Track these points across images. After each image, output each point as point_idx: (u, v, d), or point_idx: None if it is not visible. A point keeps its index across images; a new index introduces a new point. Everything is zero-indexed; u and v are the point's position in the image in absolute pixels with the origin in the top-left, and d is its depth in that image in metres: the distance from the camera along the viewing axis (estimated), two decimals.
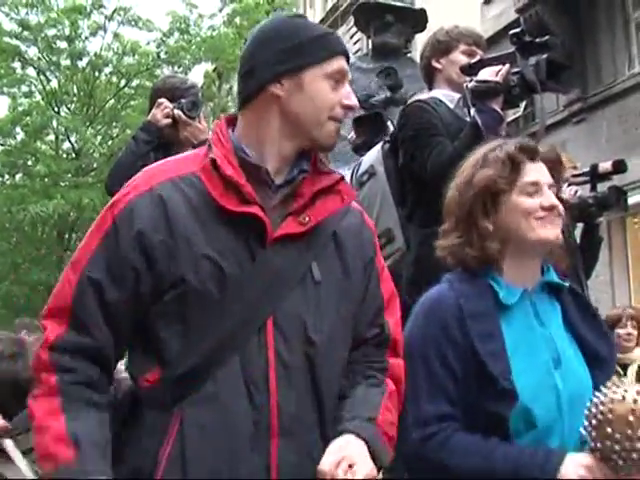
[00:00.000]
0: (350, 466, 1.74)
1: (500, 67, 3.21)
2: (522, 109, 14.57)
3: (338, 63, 1.95)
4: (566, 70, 3.25)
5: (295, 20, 2.04)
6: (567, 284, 2.35)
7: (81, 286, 1.82)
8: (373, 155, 3.82)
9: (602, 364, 2.25)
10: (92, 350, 1.81)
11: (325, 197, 1.96)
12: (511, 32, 3.29)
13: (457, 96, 3.51)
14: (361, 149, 4.52)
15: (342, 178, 2.03)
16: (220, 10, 19.99)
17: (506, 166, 2.24)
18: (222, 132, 1.98)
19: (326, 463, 1.75)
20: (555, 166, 2.37)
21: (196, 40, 19.80)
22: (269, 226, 1.86)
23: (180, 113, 3.74)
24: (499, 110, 3.22)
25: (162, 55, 20.16)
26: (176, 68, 19.59)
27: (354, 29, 16.13)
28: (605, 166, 4.41)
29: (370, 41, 6.14)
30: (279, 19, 2.07)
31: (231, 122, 2.03)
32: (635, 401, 1.85)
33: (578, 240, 4.56)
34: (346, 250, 1.98)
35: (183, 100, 3.77)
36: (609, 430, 1.85)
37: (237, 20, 19.79)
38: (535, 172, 2.26)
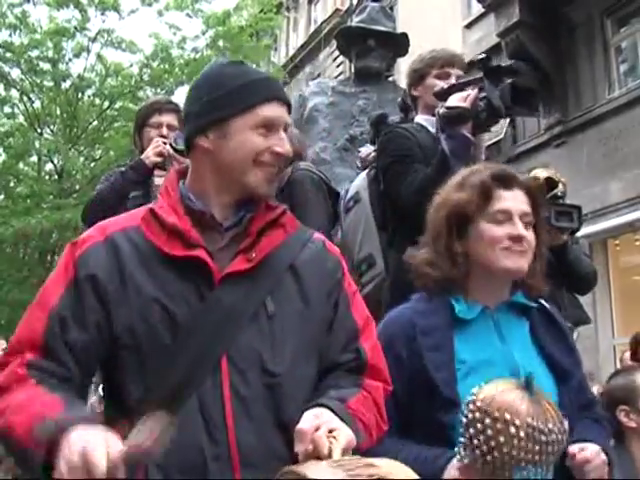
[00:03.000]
0: (330, 431, 1.69)
1: (469, 92, 3.24)
2: (504, 132, 14.68)
3: (268, 110, 1.97)
4: (533, 94, 3.26)
5: (227, 69, 2.05)
6: (535, 305, 2.37)
7: (51, 323, 1.85)
8: (359, 181, 3.86)
9: (567, 378, 2.29)
10: (66, 378, 1.83)
11: (270, 231, 2.00)
12: (478, 57, 3.32)
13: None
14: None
15: (285, 211, 2.06)
16: (203, 33, 20.04)
17: (478, 192, 2.28)
18: (170, 183, 2.05)
19: (305, 423, 1.71)
20: (534, 193, 2.38)
21: (179, 62, 19.84)
22: (213, 267, 1.89)
23: (170, 149, 3.76)
24: (468, 135, 3.24)
25: (145, 77, 20.18)
26: (159, 90, 19.61)
27: (337, 52, 16.24)
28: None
29: (352, 65, 6.16)
30: (213, 68, 2.09)
31: (182, 173, 2.09)
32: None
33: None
34: (306, 280, 1.99)
35: (172, 134, 3.79)
36: (475, 429, 1.87)
37: (220, 43, 19.85)
38: (508, 200, 2.28)
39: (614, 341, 11.91)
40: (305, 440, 1.66)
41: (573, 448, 2.14)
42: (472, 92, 3.23)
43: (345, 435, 1.69)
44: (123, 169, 3.90)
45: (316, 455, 1.62)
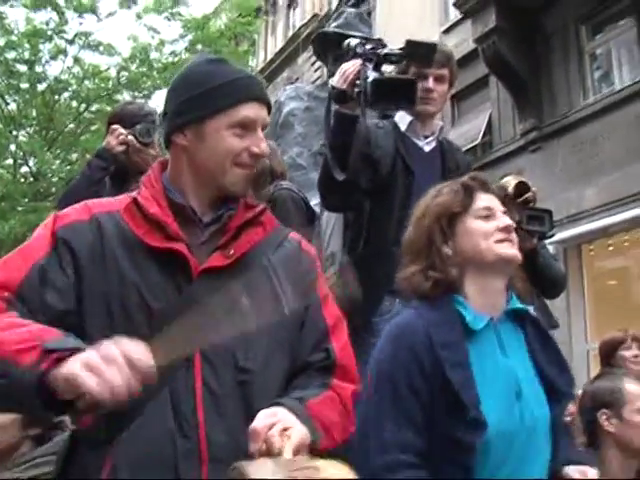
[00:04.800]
0: (284, 430, 1.68)
1: (352, 69, 3.10)
2: (480, 137, 14.78)
3: (246, 110, 1.97)
4: (410, 85, 3.11)
5: (207, 67, 2.05)
6: (531, 311, 2.40)
7: (32, 274, 1.84)
8: None
9: (560, 397, 2.27)
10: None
11: (249, 229, 2.02)
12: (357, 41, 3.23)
13: (409, 119, 3.52)
14: None
15: (265, 209, 2.08)
16: (182, 37, 19.99)
17: (460, 193, 2.31)
18: (154, 174, 2.06)
19: (259, 422, 1.70)
20: (503, 201, 2.41)
21: (157, 66, 19.77)
22: (192, 261, 1.91)
23: (133, 139, 3.75)
24: (346, 112, 3.10)
25: (123, 80, 20.09)
26: (136, 93, 19.54)
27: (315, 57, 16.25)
28: None
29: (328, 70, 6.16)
30: (193, 65, 2.09)
31: (166, 165, 2.10)
32: None
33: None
34: (280, 279, 1.99)
35: (138, 126, 3.78)
36: None
37: (199, 47, 19.81)
38: (488, 200, 2.32)
39: (587, 346, 11.97)
40: (258, 439, 1.66)
41: (573, 472, 2.16)
42: (351, 70, 3.08)
43: (298, 433, 1.69)
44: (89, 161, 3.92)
45: (269, 454, 1.62)
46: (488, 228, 2.26)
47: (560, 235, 12.01)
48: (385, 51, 3.18)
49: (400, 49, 3.22)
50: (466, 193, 2.31)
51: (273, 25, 28.34)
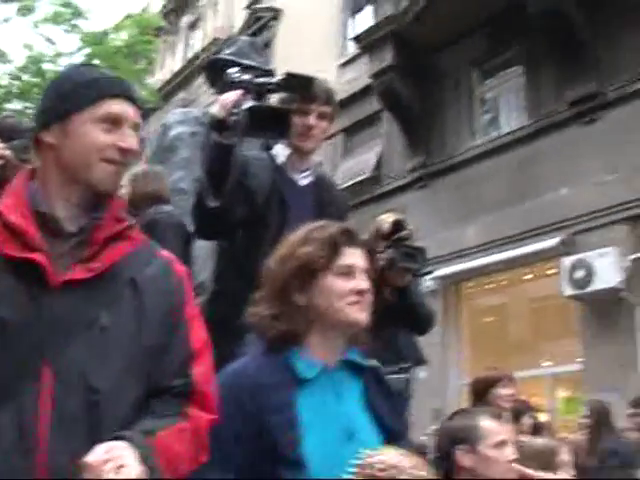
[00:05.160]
0: (119, 467, 1.64)
1: (233, 97, 3.08)
2: (370, 171, 15.00)
3: (110, 106, 1.97)
4: (285, 116, 3.14)
5: (76, 69, 2.09)
6: (367, 364, 2.44)
7: None
8: None
9: (397, 441, 2.32)
10: None
11: (115, 243, 1.97)
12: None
13: (287, 152, 3.52)
14: None
15: (134, 224, 2.06)
16: (79, 50, 19.69)
17: (326, 246, 2.33)
18: (19, 181, 2.02)
19: (94, 456, 1.65)
20: (370, 252, 2.52)
21: (51, 77, 19.36)
22: (50, 272, 1.85)
23: (10, 154, 3.66)
24: (221, 141, 3.07)
25: (14, 89, 19.62)
26: (28, 104, 19.11)
27: None
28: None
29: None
30: (65, 69, 2.10)
31: (33, 173, 2.05)
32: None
33: None
34: (145, 298, 1.96)
35: (15, 142, 3.69)
36: None
37: (96, 61, 19.54)
38: (352, 256, 2.36)
39: (461, 381, 12.12)
40: (91, 473, 1.63)
41: None
42: (230, 99, 3.07)
43: (131, 472, 1.66)
44: None
45: None
46: (344, 289, 2.31)
47: (440, 272, 12.34)
48: (261, 80, 3.21)
49: (279, 80, 3.27)
50: (332, 248, 2.34)
51: (173, 45, 28.19)
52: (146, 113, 18.66)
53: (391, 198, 14.20)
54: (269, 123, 3.08)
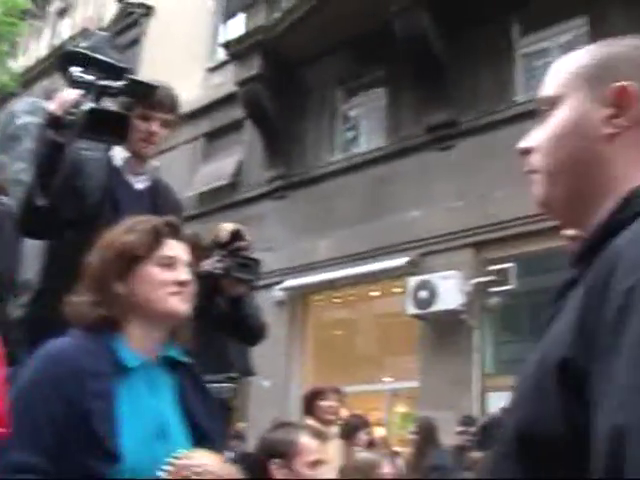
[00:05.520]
0: None
1: (70, 96, 3.04)
2: (229, 178, 15.00)
3: None
4: (123, 120, 3.10)
5: None
6: (186, 361, 2.44)
7: None
8: None
9: (211, 444, 2.33)
10: None
11: None
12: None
13: (125, 155, 3.50)
14: None
15: None
16: None
17: (149, 236, 2.34)
18: None
19: None
20: (194, 249, 2.49)
21: None
22: None
23: None
24: (54, 138, 3.02)
25: None
26: None
27: None
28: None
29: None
30: None
31: None
32: None
33: None
34: None
35: None
36: None
37: None
38: (174, 248, 2.37)
39: (302, 393, 12.16)
40: None
41: None
42: (71, 98, 3.02)
43: None
44: None
45: None
46: (165, 278, 2.31)
47: (289, 283, 12.48)
48: (105, 83, 3.17)
49: (123, 85, 3.24)
50: (154, 238, 2.35)
51: (39, 30, 27.40)
52: (4, 98, 18.00)
53: (248, 206, 14.22)
54: (108, 127, 3.04)
